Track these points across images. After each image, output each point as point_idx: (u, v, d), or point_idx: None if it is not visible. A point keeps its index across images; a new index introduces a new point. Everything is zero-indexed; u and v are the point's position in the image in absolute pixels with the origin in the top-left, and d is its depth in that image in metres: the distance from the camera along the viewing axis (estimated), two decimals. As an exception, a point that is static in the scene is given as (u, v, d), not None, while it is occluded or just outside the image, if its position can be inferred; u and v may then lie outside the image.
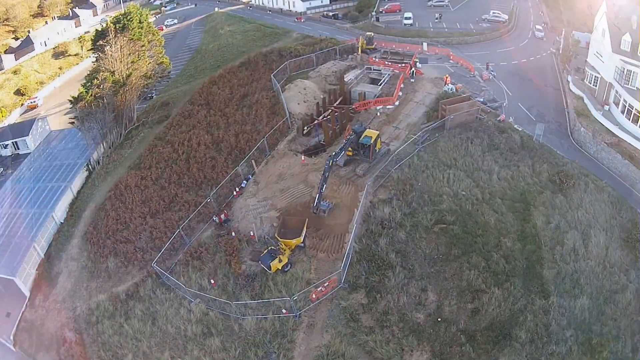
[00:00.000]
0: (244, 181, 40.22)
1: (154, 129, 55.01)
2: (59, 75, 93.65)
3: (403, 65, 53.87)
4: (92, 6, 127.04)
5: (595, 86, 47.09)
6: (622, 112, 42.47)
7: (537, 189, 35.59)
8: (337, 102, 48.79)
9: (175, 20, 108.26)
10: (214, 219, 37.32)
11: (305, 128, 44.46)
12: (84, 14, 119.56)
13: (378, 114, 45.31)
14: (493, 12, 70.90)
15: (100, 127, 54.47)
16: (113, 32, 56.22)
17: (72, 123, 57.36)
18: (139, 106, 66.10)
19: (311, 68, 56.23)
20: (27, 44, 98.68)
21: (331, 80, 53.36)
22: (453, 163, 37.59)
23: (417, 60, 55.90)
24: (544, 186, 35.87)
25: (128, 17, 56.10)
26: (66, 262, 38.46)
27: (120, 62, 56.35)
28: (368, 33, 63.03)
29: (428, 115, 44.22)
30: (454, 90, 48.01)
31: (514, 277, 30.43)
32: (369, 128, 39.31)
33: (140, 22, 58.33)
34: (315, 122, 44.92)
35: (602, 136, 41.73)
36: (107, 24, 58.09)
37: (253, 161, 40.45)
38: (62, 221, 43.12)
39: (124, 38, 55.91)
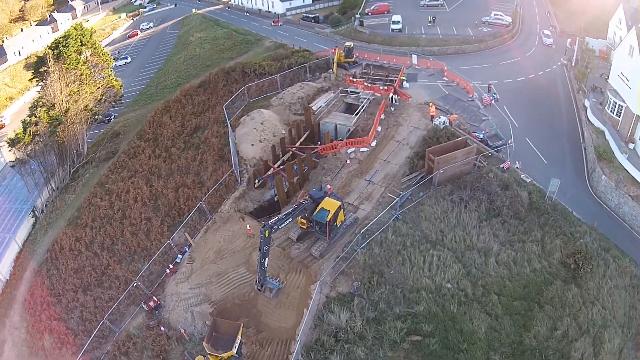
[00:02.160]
0: (179, 255, 32.67)
1: (100, 169, 49.06)
2: (28, 89, 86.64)
3: (386, 87, 45.04)
4: (72, 9, 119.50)
5: (619, 117, 37.66)
6: (653, 154, 33.54)
7: (545, 277, 27.19)
8: (300, 141, 40.37)
9: (151, 24, 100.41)
10: (143, 306, 30.93)
11: (257, 181, 36.31)
12: (62, 18, 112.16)
13: (348, 161, 36.75)
14: (494, 14, 60.70)
15: (43, 169, 48.30)
16: (51, 60, 48.62)
17: (13, 167, 50.78)
18: (94, 132, 59.40)
19: (275, 92, 47.48)
20: (1, 54, 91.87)
21: (296, 108, 44.57)
22: (439, 239, 29.30)
23: (404, 78, 46.86)
24: (555, 273, 27.45)
25: (65, 42, 48.04)
26: (10, 330, 35.18)
27: (61, 92, 48.88)
28: (347, 43, 53.85)
29: (412, 163, 35.50)
30: (447, 123, 38.74)
31: (502, 408, 22.97)
32: (331, 193, 30.29)
33: (81, 45, 50.43)
34: (269, 173, 36.66)
35: (626, 187, 32.79)
36: (45, 50, 50.50)
37: (186, 234, 32.66)
38: (8, 278, 39.80)
39: (62, 66, 48.22)
